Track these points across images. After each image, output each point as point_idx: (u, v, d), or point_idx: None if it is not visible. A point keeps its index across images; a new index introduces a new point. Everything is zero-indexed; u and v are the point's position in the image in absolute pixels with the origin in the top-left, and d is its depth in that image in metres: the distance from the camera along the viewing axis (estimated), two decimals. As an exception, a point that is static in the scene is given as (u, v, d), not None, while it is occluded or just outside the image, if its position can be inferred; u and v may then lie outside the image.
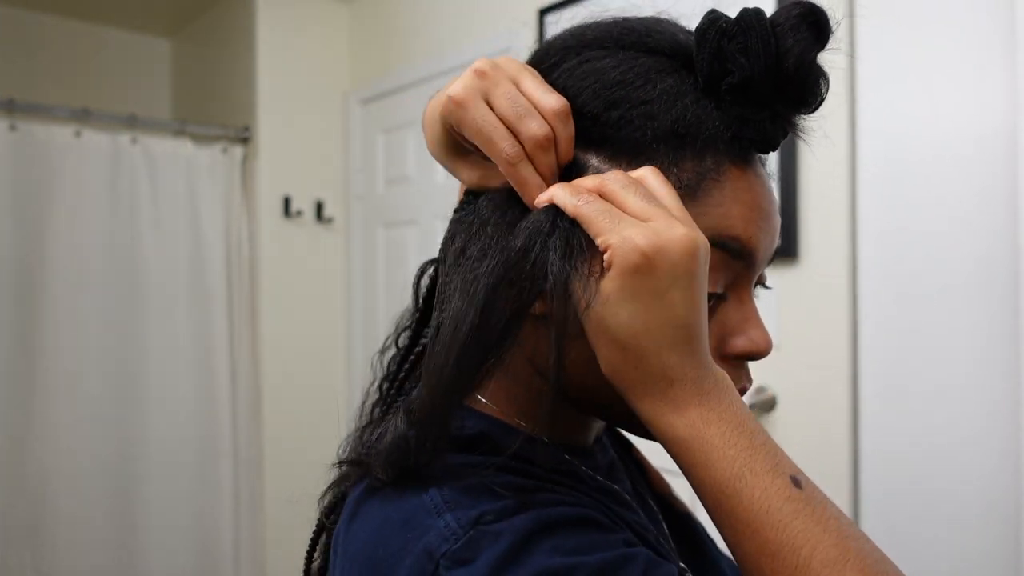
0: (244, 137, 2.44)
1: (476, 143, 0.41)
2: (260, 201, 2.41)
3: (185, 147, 2.33)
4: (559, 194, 0.39)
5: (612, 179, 0.39)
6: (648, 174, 0.40)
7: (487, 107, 0.41)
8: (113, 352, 2.18)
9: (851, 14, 1.33)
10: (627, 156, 0.42)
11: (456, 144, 0.44)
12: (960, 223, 1.21)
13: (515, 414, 0.46)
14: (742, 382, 0.45)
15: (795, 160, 1.39)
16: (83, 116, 2.16)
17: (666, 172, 0.41)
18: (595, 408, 0.46)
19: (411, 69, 2.32)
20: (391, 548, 0.39)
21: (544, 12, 1.84)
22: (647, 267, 0.36)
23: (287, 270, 2.46)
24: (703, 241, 0.37)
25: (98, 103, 2.43)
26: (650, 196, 0.38)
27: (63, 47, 2.70)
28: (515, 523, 0.37)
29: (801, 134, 0.44)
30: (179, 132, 2.40)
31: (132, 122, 2.26)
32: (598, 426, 0.52)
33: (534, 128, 0.40)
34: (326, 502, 0.48)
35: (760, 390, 1.43)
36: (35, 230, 2.09)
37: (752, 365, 0.47)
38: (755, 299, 0.47)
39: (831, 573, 0.34)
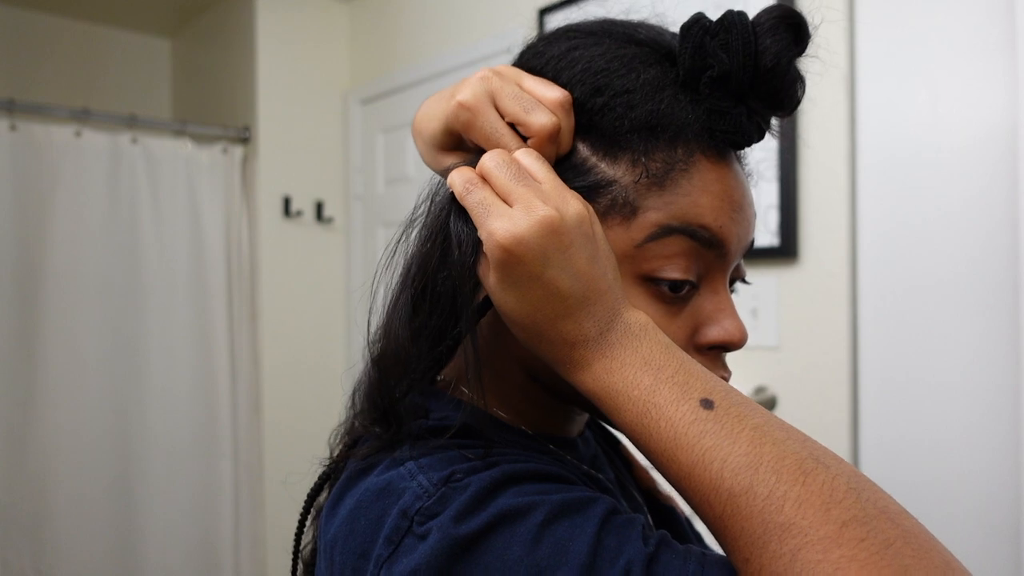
0: (244, 137, 2.44)
1: (485, 146, 0.43)
2: (260, 201, 2.41)
3: (185, 147, 2.33)
4: (455, 180, 0.42)
5: (490, 159, 0.41)
6: (522, 153, 0.42)
7: (496, 112, 0.43)
8: (113, 352, 2.18)
9: (851, 14, 1.33)
10: (605, 144, 0.43)
11: (452, 144, 0.46)
12: (960, 222, 1.21)
13: (496, 404, 0.48)
14: (718, 372, 0.45)
15: (795, 160, 1.39)
16: (83, 116, 2.16)
17: (635, 162, 0.42)
18: (565, 392, 0.46)
19: (411, 69, 2.32)
20: (371, 516, 0.40)
21: (544, 12, 1.84)
22: (512, 259, 0.38)
23: (287, 270, 2.46)
24: (572, 211, 0.39)
25: (98, 103, 2.43)
26: (521, 175, 0.40)
27: (63, 47, 2.70)
28: (482, 476, 0.39)
29: (771, 131, 0.46)
30: (179, 132, 2.40)
31: (132, 122, 2.26)
32: (581, 419, 0.53)
33: (543, 119, 0.41)
34: (311, 486, 0.50)
35: (760, 390, 1.43)
36: (35, 230, 2.08)
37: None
38: (733, 293, 0.48)
39: (744, 479, 0.34)
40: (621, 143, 0.43)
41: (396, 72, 2.39)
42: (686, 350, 0.44)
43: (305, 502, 0.49)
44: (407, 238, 0.46)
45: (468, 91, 0.43)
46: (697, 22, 0.42)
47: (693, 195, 0.42)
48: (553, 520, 0.36)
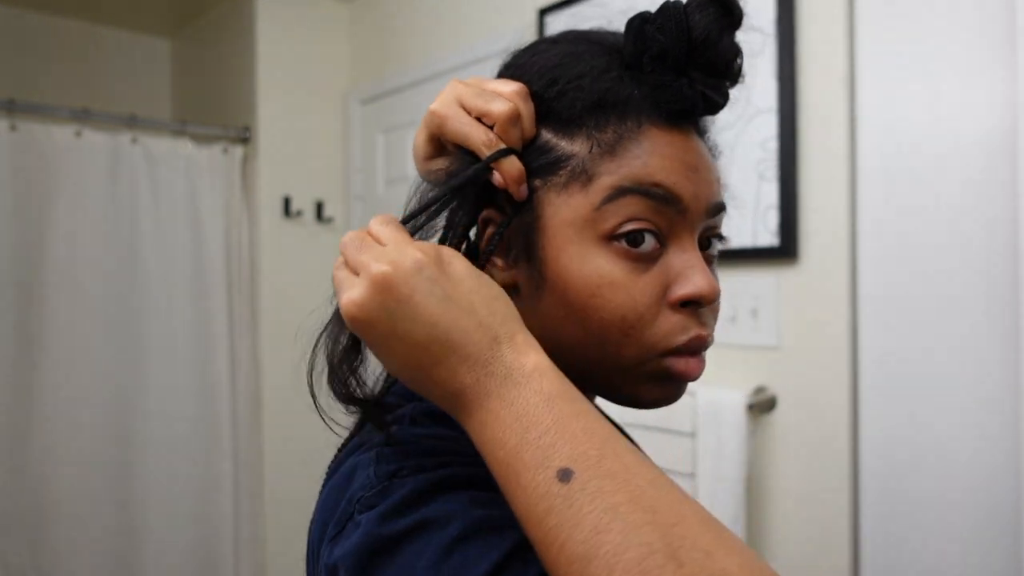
0: (244, 137, 2.44)
1: (458, 141, 0.48)
2: (260, 201, 2.41)
3: (185, 147, 2.33)
4: (342, 253, 0.46)
5: (344, 239, 0.45)
6: (375, 222, 0.45)
7: (463, 112, 0.47)
8: (113, 352, 2.18)
9: (851, 14, 1.33)
10: (563, 125, 0.48)
11: (437, 148, 0.50)
12: (960, 222, 1.21)
13: None
14: (693, 330, 0.47)
15: (795, 160, 1.39)
16: (83, 116, 2.16)
17: (589, 136, 0.47)
18: (586, 381, 0.48)
19: (411, 69, 2.32)
20: (335, 496, 0.45)
21: (544, 12, 1.84)
22: (362, 325, 0.41)
23: (287, 270, 2.46)
24: (408, 260, 0.40)
25: (98, 103, 2.43)
26: (364, 245, 0.43)
27: (63, 47, 2.70)
28: (419, 478, 0.41)
29: (720, 98, 0.48)
30: (179, 132, 2.40)
31: (132, 122, 2.26)
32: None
33: (501, 106, 0.46)
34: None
35: (760, 390, 1.43)
36: (35, 230, 2.09)
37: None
38: (710, 252, 0.50)
39: (577, 570, 0.33)
40: (576, 122, 0.47)
41: (396, 72, 2.39)
42: (659, 309, 0.46)
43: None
44: None
45: (438, 99, 0.49)
46: (638, 15, 0.47)
47: (643, 158, 0.46)
48: (467, 537, 0.37)
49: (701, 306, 0.47)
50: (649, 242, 0.46)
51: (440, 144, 0.50)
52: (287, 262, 2.46)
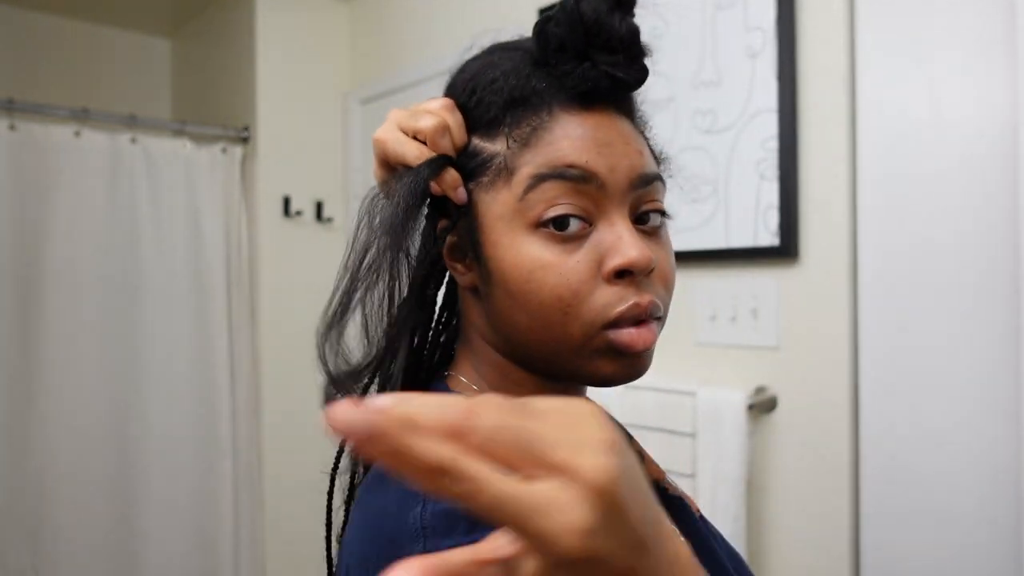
0: (244, 137, 2.44)
1: (398, 160, 0.52)
2: (260, 201, 2.41)
3: (185, 147, 2.33)
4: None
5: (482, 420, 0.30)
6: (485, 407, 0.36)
7: (400, 134, 0.52)
8: (113, 352, 2.18)
9: (851, 14, 1.33)
10: (486, 129, 0.51)
11: (388, 171, 0.54)
12: (961, 222, 1.21)
13: (487, 389, 0.53)
14: (631, 299, 0.48)
15: (795, 160, 1.39)
16: (83, 116, 2.16)
17: (508, 134, 0.50)
18: (551, 369, 0.51)
19: (411, 69, 2.32)
20: (376, 536, 0.45)
21: (544, 12, 1.84)
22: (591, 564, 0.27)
23: (287, 270, 2.46)
24: (612, 468, 0.26)
25: (98, 103, 2.42)
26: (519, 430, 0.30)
27: (63, 47, 2.70)
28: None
29: (624, 74, 0.50)
30: (179, 132, 2.40)
31: (132, 122, 2.26)
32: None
33: (428, 121, 0.51)
34: (335, 456, 0.56)
35: (760, 390, 1.43)
36: (35, 230, 2.08)
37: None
38: (651, 225, 0.51)
39: None
40: (496, 123, 0.51)
41: (396, 72, 2.39)
42: (595, 284, 0.48)
43: (329, 486, 0.56)
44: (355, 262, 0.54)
45: (381, 127, 0.54)
46: (542, 16, 0.51)
47: (554, 143, 0.49)
48: None
49: (634, 274, 0.48)
50: (575, 224, 0.48)
51: (390, 166, 0.54)
52: (287, 262, 2.46)
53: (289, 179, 2.47)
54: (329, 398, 0.53)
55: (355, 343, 0.54)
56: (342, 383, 0.52)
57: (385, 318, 0.52)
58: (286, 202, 2.44)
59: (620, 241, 0.48)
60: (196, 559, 2.30)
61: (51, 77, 2.65)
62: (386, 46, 2.45)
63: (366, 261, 0.53)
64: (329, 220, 2.54)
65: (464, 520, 0.41)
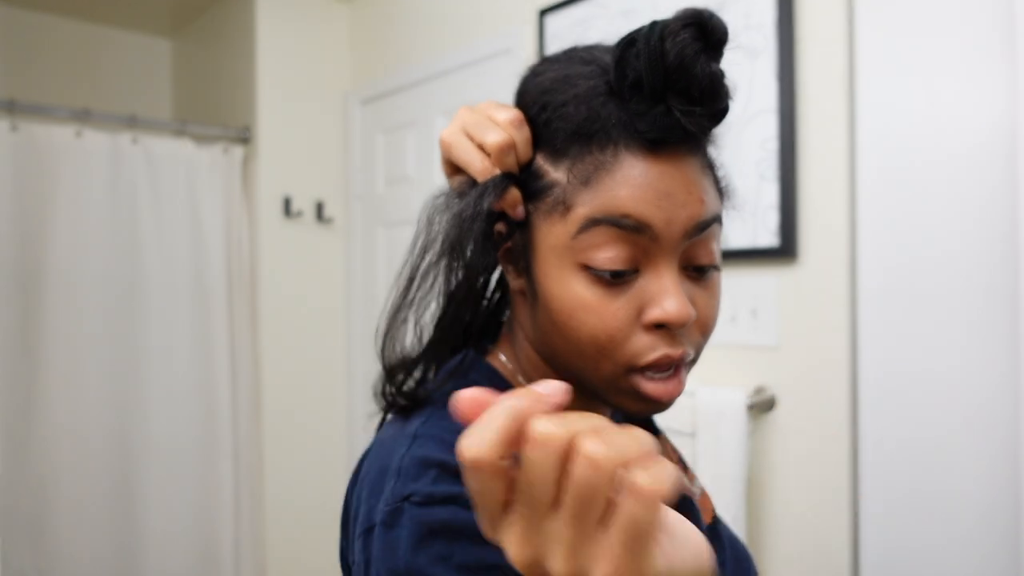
0: (244, 137, 2.44)
1: (461, 167, 0.53)
2: (260, 201, 2.41)
3: (185, 147, 2.33)
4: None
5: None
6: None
7: (467, 140, 0.52)
8: (113, 352, 2.18)
9: (851, 14, 1.33)
10: (552, 152, 0.51)
11: (454, 168, 0.55)
12: (960, 222, 1.21)
13: (518, 373, 0.57)
14: (661, 350, 0.49)
15: (795, 160, 1.39)
16: (84, 116, 2.16)
17: (570, 166, 0.49)
18: (585, 388, 0.53)
19: (411, 69, 2.32)
20: (373, 491, 0.50)
21: (544, 12, 1.84)
22: None
23: (287, 270, 2.46)
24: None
25: (99, 103, 2.43)
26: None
27: (63, 47, 2.70)
28: (421, 520, 0.45)
29: (697, 126, 0.47)
30: (179, 132, 2.40)
31: (132, 122, 2.26)
32: (603, 412, 0.59)
33: (494, 137, 0.50)
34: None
35: (760, 390, 1.43)
36: (36, 230, 2.08)
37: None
38: (703, 276, 0.51)
39: None
40: (562, 150, 0.50)
41: (396, 72, 2.39)
42: (632, 330, 0.49)
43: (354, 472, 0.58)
44: (422, 254, 0.54)
45: (447, 128, 0.53)
46: (625, 37, 0.48)
47: (614, 189, 0.48)
48: None
49: (669, 328, 0.49)
50: (622, 272, 0.48)
51: (455, 165, 0.54)
52: (287, 262, 2.46)
53: (289, 179, 2.47)
54: (383, 388, 0.55)
55: (409, 337, 0.56)
56: (394, 374, 0.54)
57: (439, 312, 0.54)
58: (286, 202, 2.44)
59: (663, 294, 0.48)
60: (197, 559, 2.30)
61: (52, 77, 2.65)
62: (386, 46, 2.45)
63: (424, 264, 0.53)
64: (329, 220, 2.54)
65: (435, 469, 0.47)
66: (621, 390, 0.51)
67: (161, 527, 2.23)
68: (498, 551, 0.37)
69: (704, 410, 1.42)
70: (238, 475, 2.37)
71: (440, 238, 0.52)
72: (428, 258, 0.52)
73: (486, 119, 0.51)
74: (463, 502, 0.45)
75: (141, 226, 2.24)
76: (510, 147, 0.50)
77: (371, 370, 2.54)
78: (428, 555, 0.44)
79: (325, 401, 2.54)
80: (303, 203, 2.49)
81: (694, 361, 0.53)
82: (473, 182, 0.51)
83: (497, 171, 0.51)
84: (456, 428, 0.46)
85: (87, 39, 2.75)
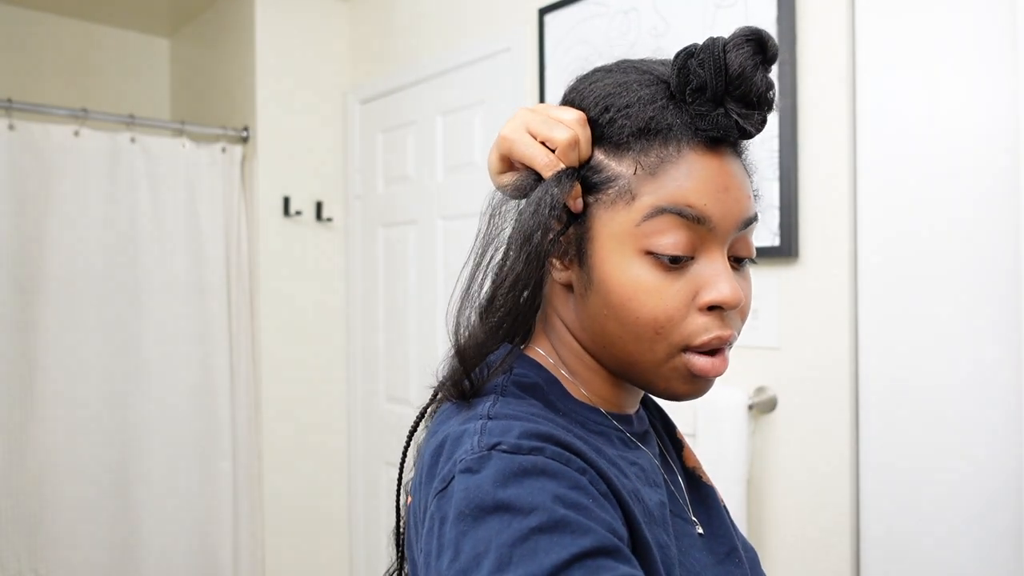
0: (243, 137, 2.43)
1: (524, 163, 0.56)
2: (259, 201, 2.40)
3: (184, 147, 2.33)
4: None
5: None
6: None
7: (529, 137, 0.55)
8: (112, 352, 2.18)
9: (851, 14, 1.33)
10: (614, 148, 0.55)
11: (507, 166, 0.58)
12: (961, 222, 1.21)
13: (560, 366, 0.60)
14: (715, 331, 0.53)
15: (795, 160, 1.39)
16: (82, 115, 2.16)
17: (635, 159, 0.53)
18: (617, 370, 0.57)
19: (411, 69, 2.32)
20: (445, 456, 0.50)
21: (544, 12, 1.84)
22: None
23: (286, 270, 2.46)
24: None
25: (97, 103, 2.43)
26: None
27: (62, 47, 2.69)
28: (515, 458, 0.46)
29: (752, 127, 0.53)
30: (178, 132, 2.40)
31: (131, 122, 2.26)
32: (636, 396, 0.63)
33: (562, 133, 0.54)
34: (415, 418, 0.61)
35: (760, 390, 1.43)
36: (34, 229, 2.08)
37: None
38: (741, 268, 0.57)
39: None
40: (625, 146, 0.54)
41: (396, 72, 2.38)
42: (688, 311, 0.53)
43: (405, 446, 0.61)
44: (482, 252, 0.57)
45: (508, 125, 0.57)
46: (684, 50, 0.53)
47: (679, 181, 0.52)
48: (544, 530, 0.42)
49: (723, 308, 0.53)
50: (681, 258, 0.53)
51: (510, 162, 0.58)
52: (286, 262, 2.46)
53: (289, 179, 2.46)
54: (453, 375, 0.57)
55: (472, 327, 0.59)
56: (465, 355, 0.56)
57: (507, 301, 0.56)
58: (286, 202, 2.43)
59: (716, 277, 0.53)
60: (196, 559, 2.30)
61: (50, 76, 2.65)
62: (386, 46, 2.45)
63: (488, 255, 0.56)
64: (329, 220, 2.54)
65: (519, 428, 0.49)
66: (673, 369, 0.54)
67: (159, 526, 2.23)
68: (590, 497, 0.46)
69: (705, 410, 1.42)
70: (237, 474, 2.37)
71: (508, 229, 0.55)
72: (494, 248, 0.56)
73: (550, 118, 0.55)
74: (551, 454, 0.47)
75: (139, 226, 2.23)
76: (576, 143, 0.54)
77: (370, 369, 2.54)
78: (520, 488, 0.44)
79: (324, 401, 2.54)
80: (302, 203, 2.49)
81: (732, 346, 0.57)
82: (535, 177, 0.55)
83: (561, 165, 0.54)
84: (525, 412, 0.53)
85: (86, 38, 2.75)
